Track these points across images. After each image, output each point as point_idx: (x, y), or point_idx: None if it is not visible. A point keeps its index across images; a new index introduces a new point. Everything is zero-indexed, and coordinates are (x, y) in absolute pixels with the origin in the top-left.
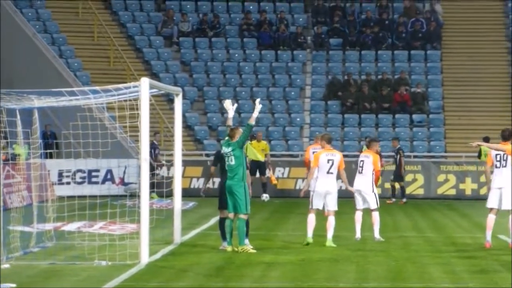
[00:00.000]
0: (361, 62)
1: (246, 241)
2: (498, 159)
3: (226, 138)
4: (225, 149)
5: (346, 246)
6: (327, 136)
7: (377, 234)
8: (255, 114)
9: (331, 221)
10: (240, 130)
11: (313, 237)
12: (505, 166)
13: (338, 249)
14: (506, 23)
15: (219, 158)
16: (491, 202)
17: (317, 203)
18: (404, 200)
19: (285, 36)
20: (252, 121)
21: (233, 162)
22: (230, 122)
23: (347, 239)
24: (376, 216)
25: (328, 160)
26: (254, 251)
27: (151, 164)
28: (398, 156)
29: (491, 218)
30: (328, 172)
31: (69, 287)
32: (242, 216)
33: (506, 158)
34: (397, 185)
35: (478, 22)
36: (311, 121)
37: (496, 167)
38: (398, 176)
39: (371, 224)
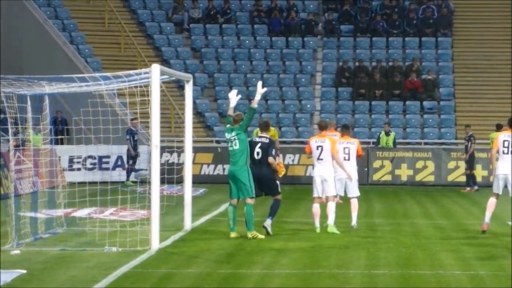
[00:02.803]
0: (372, 48)
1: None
2: (506, 145)
3: (228, 125)
4: (228, 135)
5: (356, 233)
6: (320, 122)
7: (355, 222)
8: (258, 97)
9: (330, 207)
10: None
11: (321, 226)
12: None
13: (348, 236)
14: None
15: (250, 145)
16: (496, 188)
17: (316, 191)
18: (476, 187)
19: (295, 22)
20: (255, 104)
21: (237, 147)
22: (231, 112)
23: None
24: (355, 204)
25: (317, 147)
26: (263, 237)
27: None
28: (469, 143)
29: (492, 201)
30: (318, 159)
31: (79, 273)
32: (249, 200)
33: None
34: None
35: (489, 8)
36: (322, 107)
37: (503, 153)
38: (472, 163)
39: (350, 211)
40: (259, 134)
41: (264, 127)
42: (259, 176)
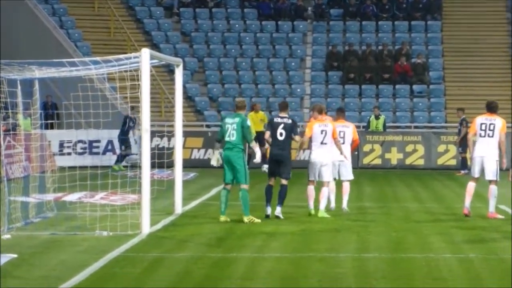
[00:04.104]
0: (361, 32)
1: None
2: (483, 128)
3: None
4: (231, 119)
5: (347, 216)
6: (317, 107)
7: (345, 205)
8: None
9: (324, 192)
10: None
11: (315, 208)
12: (492, 136)
13: (339, 219)
14: None
15: (271, 126)
16: (473, 171)
17: (313, 174)
18: (466, 171)
19: (285, 6)
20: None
21: (233, 138)
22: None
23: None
24: (347, 187)
25: (322, 131)
26: (259, 221)
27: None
28: (462, 127)
29: (471, 185)
30: (322, 143)
31: (70, 257)
32: (244, 186)
33: (494, 128)
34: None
35: None
36: (312, 91)
37: (480, 136)
38: (465, 146)
39: (341, 193)
40: (280, 114)
41: (283, 107)
42: (279, 157)
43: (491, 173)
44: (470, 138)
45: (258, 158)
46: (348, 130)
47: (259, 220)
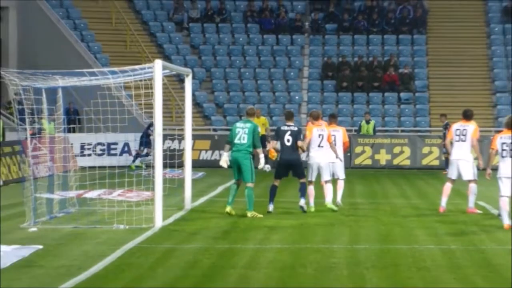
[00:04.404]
0: (354, 45)
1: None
2: (458, 133)
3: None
4: (243, 124)
5: (340, 211)
6: (314, 113)
7: (339, 199)
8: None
9: (328, 188)
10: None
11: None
12: (464, 141)
13: (333, 214)
14: (485, 9)
15: (278, 134)
16: (451, 173)
17: (312, 175)
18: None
19: (285, 22)
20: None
21: (244, 141)
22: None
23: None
24: (342, 184)
25: (319, 135)
26: (261, 216)
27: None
28: (446, 131)
29: (447, 186)
30: (319, 146)
31: (90, 248)
32: (250, 184)
33: (466, 133)
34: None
35: (460, 9)
36: (309, 99)
37: (455, 140)
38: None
39: (336, 190)
40: (286, 123)
41: (289, 116)
42: (289, 161)
43: (467, 174)
44: (447, 143)
45: (262, 163)
46: (339, 133)
47: (261, 215)
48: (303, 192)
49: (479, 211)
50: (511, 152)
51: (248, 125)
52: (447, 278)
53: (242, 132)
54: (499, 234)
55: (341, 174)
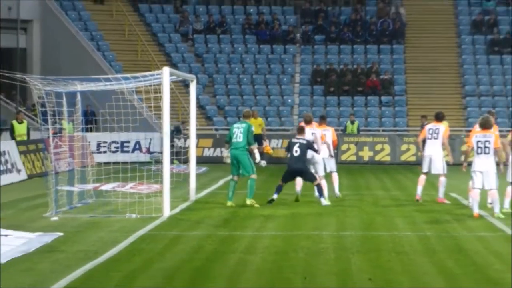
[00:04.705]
0: (340, 54)
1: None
2: (430, 132)
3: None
4: (239, 125)
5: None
6: (307, 118)
7: (337, 191)
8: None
9: (324, 184)
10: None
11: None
12: (436, 139)
13: (321, 205)
14: (455, 23)
15: (289, 145)
16: (424, 167)
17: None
18: None
19: (278, 33)
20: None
21: (240, 139)
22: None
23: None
24: (336, 176)
25: (312, 134)
26: (258, 206)
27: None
28: None
29: (422, 178)
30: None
31: (105, 235)
32: (253, 176)
33: (438, 132)
34: None
35: (434, 22)
36: (300, 102)
37: (428, 138)
38: None
39: (332, 183)
40: (297, 136)
41: (300, 131)
42: (294, 169)
43: (437, 168)
44: (419, 141)
45: (258, 158)
46: (328, 133)
47: (258, 205)
48: (320, 193)
49: (448, 202)
50: (486, 149)
51: (243, 125)
52: (423, 261)
53: (238, 132)
54: (469, 222)
55: (333, 167)
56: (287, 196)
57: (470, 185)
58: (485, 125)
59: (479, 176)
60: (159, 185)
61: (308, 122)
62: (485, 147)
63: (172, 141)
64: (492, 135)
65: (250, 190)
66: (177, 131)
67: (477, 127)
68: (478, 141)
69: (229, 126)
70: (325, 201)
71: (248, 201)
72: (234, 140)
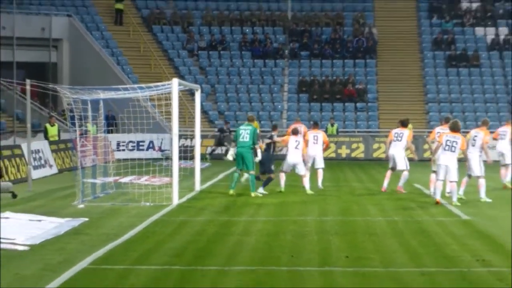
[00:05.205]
0: (322, 67)
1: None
2: (396, 136)
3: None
4: (245, 127)
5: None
6: (294, 130)
7: (320, 184)
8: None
9: (306, 180)
10: (256, 123)
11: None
12: (400, 141)
13: (306, 195)
14: (419, 41)
15: (290, 142)
16: (390, 164)
17: (286, 168)
18: None
19: (270, 50)
20: (257, 148)
21: (247, 139)
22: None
23: (313, 189)
24: (321, 172)
25: (296, 141)
26: (260, 195)
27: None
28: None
29: (388, 173)
30: (295, 148)
31: (124, 220)
32: (252, 172)
33: (402, 136)
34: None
35: (401, 40)
36: (288, 108)
37: (393, 140)
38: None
39: (317, 177)
40: (295, 136)
41: (295, 132)
42: (295, 162)
43: (400, 165)
44: (387, 142)
45: (259, 156)
46: (320, 135)
47: (260, 195)
48: (265, 184)
49: (404, 191)
50: (452, 148)
51: (250, 127)
52: (392, 242)
53: (244, 133)
54: (430, 209)
55: (321, 164)
56: (276, 187)
57: (433, 177)
58: (454, 128)
59: (443, 169)
60: (169, 178)
61: (295, 133)
62: (452, 146)
63: (222, 143)
64: (460, 138)
65: (252, 184)
66: (222, 132)
67: (437, 129)
68: (447, 140)
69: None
70: (262, 189)
71: (253, 194)
72: (240, 139)
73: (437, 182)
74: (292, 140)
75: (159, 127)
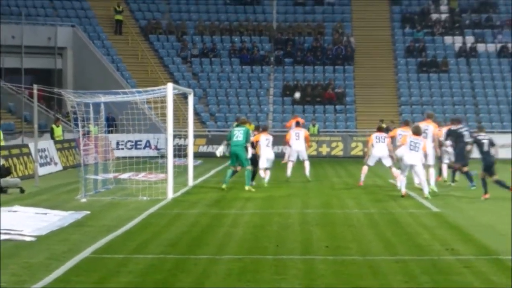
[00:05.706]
0: (304, 73)
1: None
2: (377, 139)
3: (235, 124)
4: (239, 128)
5: (294, 186)
6: (263, 126)
7: (307, 173)
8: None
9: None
10: (252, 125)
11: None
12: (383, 142)
13: (290, 189)
14: (393, 49)
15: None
16: (370, 162)
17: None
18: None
19: (257, 57)
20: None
21: (240, 138)
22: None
23: (296, 182)
24: (307, 163)
25: (266, 139)
26: (253, 190)
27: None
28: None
29: (365, 168)
30: (267, 146)
31: (123, 213)
32: (248, 167)
33: (384, 139)
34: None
35: (376, 48)
36: (274, 110)
37: (376, 142)
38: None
39: (304, 168)
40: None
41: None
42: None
43: (386, 163)
44: (369, 144)
45: (250, 153)
46: (301, 132)
47: (253, 190)
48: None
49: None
50: (415, 148)
51: (243, 128)
52: (368, 232)
53: (238, 134)
54: (403, 202)
55: (305, 156)
56: (259, 182)
57: (399, 172)
58: (417, 132)
59: (408, 166)
60: (164, 174)
61: (264, 130)
62: (415, 147)
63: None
64: (422, 141)
65: (247, 179)
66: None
67: (399, 131)
68: (411, 141)
69: (219, 129)
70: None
71: (247, 187)
72: (234, 139)
73: (401, 177)
74: (293, 133)
75: (155, 127)
